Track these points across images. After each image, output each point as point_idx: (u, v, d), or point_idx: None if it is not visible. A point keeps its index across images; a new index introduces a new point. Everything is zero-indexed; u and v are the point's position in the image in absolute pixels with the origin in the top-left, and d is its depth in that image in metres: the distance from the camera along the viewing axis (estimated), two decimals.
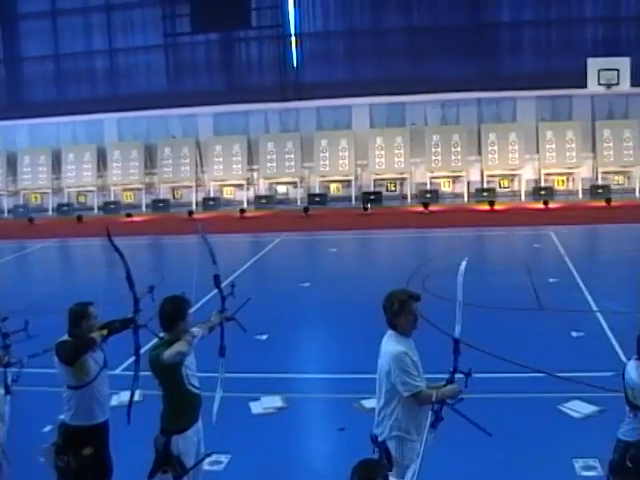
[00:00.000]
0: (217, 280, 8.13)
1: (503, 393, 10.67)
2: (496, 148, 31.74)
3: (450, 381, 6.57)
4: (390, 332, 6.75)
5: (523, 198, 31.31)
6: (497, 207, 29.21)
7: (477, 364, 10.20)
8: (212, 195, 33.16)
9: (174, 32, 33.29)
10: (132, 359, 7.79)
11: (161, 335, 7.03)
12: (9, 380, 7.75)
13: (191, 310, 7.12)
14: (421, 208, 29.50)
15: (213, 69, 33.65)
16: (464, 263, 6.63)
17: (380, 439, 6.48)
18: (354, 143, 32.28)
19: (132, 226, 28.61)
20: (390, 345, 6.64)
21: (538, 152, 31.42)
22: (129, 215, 30.83)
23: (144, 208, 33.06)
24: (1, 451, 7.67)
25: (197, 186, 33.48)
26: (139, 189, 33.77)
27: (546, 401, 10.30)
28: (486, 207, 29.22)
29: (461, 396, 6.51)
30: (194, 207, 32.26)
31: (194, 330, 7.22)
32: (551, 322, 14.12)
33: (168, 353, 6.66)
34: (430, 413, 6.50)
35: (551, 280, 17.49)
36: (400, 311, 6.65)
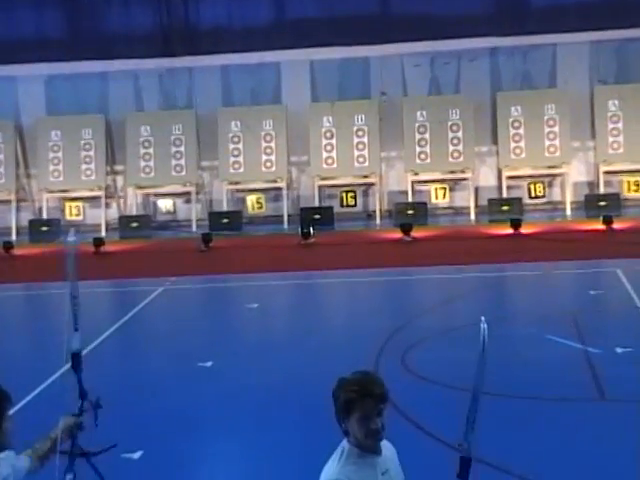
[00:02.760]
0: (76, 360, 7.05)
1: None
2: (522, 132, 25.88)
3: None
4: (343, 443, 5.68)
5: (569, 212, 26.59)
6: (524, 230, 24.87)
7: None
8: (46, 216, 28.36)
9: None
10: None
11: None
12: None
13: (11, 411, 6.49)
14: (399, 234, 25.23)
15: (43, 3, 28.40)
16: (484, 325, 5.16)
17: None
18: (285, 127, 27.83)
19: None
20: (328, 467, 5.59)
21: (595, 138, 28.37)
22: None
23: None
24: None
25: (18, 201, 28.13)
26: None
27: None
28: (507, 229, 24.80)
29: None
30: (13, 237, 27.01)
31: (19, 459, 6.28)
32: (616, 415, 12.67)
33: None
34: None
35: (619, 350, 15.01)
36: (347, 413, 5.33)
